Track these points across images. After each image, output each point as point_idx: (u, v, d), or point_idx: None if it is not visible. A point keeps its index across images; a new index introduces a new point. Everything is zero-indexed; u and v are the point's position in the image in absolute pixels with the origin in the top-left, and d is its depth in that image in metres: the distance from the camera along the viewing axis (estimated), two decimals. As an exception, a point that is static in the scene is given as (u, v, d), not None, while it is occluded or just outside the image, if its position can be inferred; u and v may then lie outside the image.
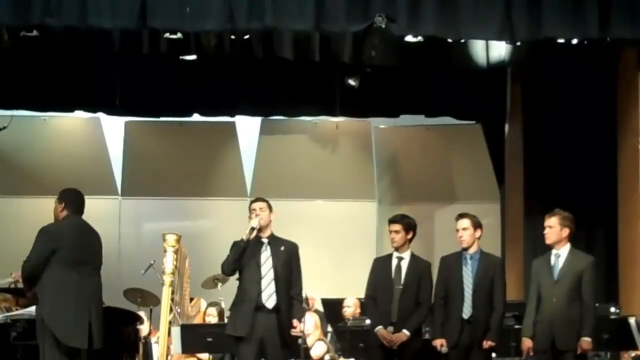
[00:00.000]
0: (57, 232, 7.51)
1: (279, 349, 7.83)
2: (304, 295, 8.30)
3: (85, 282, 7.49)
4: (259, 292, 7.81)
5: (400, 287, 8.15)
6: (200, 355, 9.90)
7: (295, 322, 7.86)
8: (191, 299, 10.24)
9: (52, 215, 7.75)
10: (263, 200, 8.04)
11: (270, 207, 7.99)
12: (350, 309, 10.07)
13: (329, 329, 10.19)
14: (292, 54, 10.29)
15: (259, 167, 13.08)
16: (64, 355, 7.35)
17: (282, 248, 7.96)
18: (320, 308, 10.47)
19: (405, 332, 8.07)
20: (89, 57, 11.13)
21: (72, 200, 7.68)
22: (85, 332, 7.40)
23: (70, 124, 13.05)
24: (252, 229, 7.85)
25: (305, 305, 8.80)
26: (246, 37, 10.03)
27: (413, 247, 8.31)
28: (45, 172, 12.59)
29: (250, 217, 7.96)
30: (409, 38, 9.65)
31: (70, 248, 7.44)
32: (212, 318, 10.23)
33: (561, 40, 9.58)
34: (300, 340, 9.00)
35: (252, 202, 8.10)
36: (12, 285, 9.83)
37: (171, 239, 8.81)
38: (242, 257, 7.85)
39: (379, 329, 8.13)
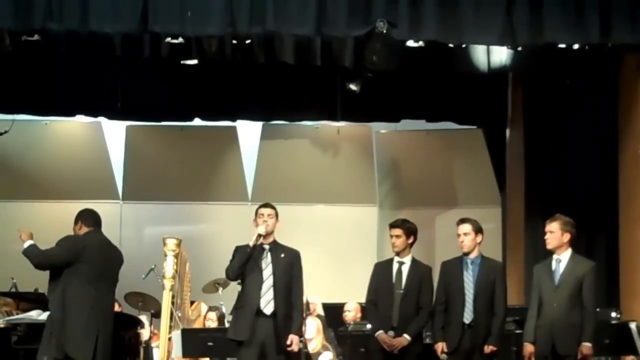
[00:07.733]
0: (80, 245, 7.53)
1: (277, 355, 7.82)
2: (304, 300, 8.30)
3: (102, 298, 7.55)
4: (259, 298, 7.81)
5: (401, 291, 8.15)
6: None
7: (291, 338, 7.85)
8: (192, 302, 10.24)
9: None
10: (272, 207, 8.01)
11: (277, 215, 7.98)
12: (351, 313, 10.06)
13: (330, 333, 10.18)
14: (294, 59, 10.29)
15: (260, 171, 13.07)
16: None
17: (283, 255, 7.94)
18: (321, 313, 10.46)
19: (406, 336, 8.06)
20: (90, 61, 11.12)
21: (87, 216, 7.77)
22: (91, 348, 7.43)
23: (71, 128, 13.05)
24: (259, 235, 7.85)
25: (306, 310, 8.78)
26: (247, 41, 10.02)
27: (414, 252, 8.30)
28: (46, 177, 12.59)
29: (255, 221, 7.95)
30: (410, 43, 9.66)
31: (91, 263, 7.47)
32: (212, 323, 10.22)
33: (562, 46, 9.59)
34: (301, 345, 8.99)
35: (260, 206, 8.06)
36: (13, 289, 9.85)
37: (171, 243, 8.79)
38: (248, 263, 7.85)
39: (380, 333, 8.13)
